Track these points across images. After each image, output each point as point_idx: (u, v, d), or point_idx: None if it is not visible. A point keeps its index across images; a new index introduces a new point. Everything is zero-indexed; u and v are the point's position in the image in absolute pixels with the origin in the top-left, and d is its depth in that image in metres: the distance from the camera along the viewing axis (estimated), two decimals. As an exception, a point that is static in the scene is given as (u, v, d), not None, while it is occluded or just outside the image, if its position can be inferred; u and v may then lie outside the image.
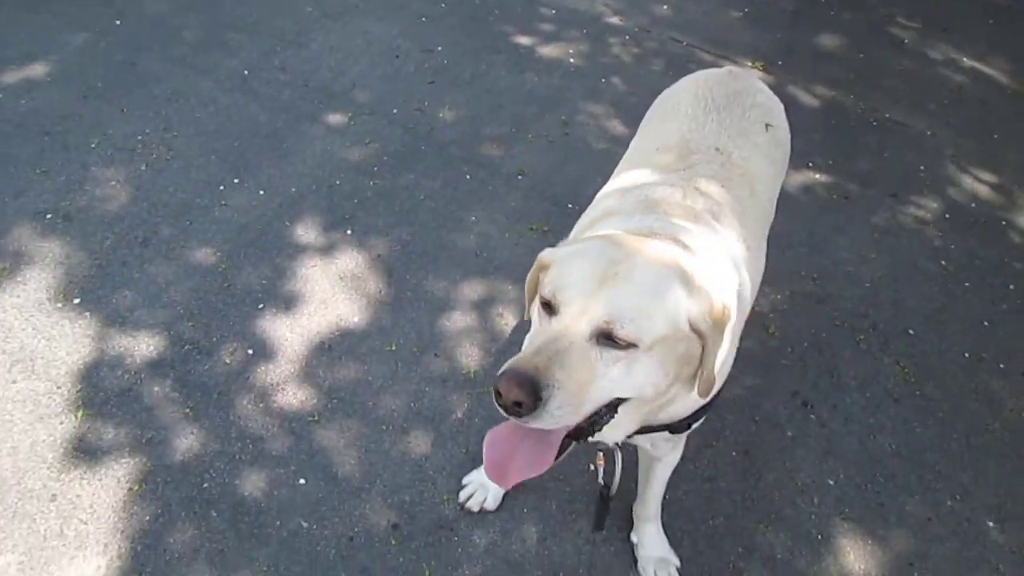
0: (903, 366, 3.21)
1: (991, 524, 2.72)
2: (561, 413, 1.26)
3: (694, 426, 1.88)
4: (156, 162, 3.52)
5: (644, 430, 1.77)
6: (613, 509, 2.49)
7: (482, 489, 2.50)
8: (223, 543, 2.33)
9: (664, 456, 2.12)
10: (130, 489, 2.41)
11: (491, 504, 2.49)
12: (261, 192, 3.46)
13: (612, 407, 1.43)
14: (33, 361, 2.69)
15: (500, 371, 1.28)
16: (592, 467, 1.97)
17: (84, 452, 2.47)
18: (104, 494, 2.39)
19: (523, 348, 1.38)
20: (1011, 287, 3.70)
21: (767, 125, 2.35)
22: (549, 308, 1.39)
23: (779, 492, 2.69)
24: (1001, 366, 3.29)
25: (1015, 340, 3.42)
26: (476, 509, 2.48)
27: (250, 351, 2.82)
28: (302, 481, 2.50)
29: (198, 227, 3.25)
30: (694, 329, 1.38)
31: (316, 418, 2.66)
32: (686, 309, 1.37)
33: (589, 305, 1.33)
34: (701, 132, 2.24)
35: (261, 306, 2.98)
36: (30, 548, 2.26)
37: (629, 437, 1.79)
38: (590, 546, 2.45)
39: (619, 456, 1.89)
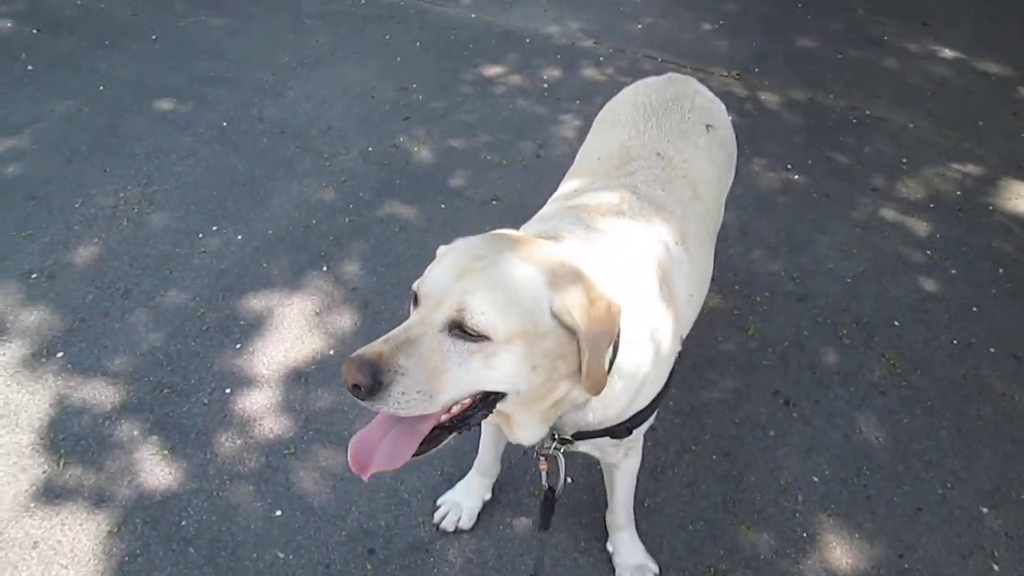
0: (888, 358, 3.17)
1: (984, 510, 2.66)
2: (408, 399, 1.29)
3: (638, 431, 1.88)
4: (137, 216, 3.62)
5: (583, 435, 1.78)
6: (592, 520, 2.49)
7: (456, 508, 2.50)
8: (200, 579, 2.36)
9: (619, 463, 2.11)
10: (109, 532, 2.44)
11: (466, 523, 2.49)
12: (239, 237, 3.53)
13: (487, 402, 1.45)
14: (17, 415, 2.75)
15: (349, 356, 1.31)
16: (540, 472, 1.97)
17: (65, 499, 2.52)
18: (84, 538, 2.43)
19: None
20: (1000, 271, 3.65)
21: (708, 126, 2.37)
22: (415, 302, 1.43)
23: (761, 492, 2.66)
24: (991, 350, 3.24)
25: (1005, 324, 3.37)
26: (451, 529, 2.48)
27: (227, 390, 2.86)
28: (278, 513, 2.52)
29: (178, 275, 3.33)
30: (562, 323, 1.40)
31: (292, 450, 2.69)
32: (548, 302, 1.39)
33: (445, 297, 1.36)
34: (641, 139, 2.26)
35: (238, 346, 3.03)
36: (11, 596, 2.30)
37: (570, 443, 1.80)
38: (569, 559, 2.44)
39: (561, 461, 1.89)
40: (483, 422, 2.35)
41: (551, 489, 2.08)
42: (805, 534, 2.56)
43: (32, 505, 2.50)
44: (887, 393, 3.03)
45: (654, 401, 1.82)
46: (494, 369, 1.36)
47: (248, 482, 2.60)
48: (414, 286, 1.44)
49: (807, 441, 2.84)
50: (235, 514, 2.51)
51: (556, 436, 1.77)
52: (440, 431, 1.45)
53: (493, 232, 1.57)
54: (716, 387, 2.97)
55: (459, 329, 1.33)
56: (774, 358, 3.13)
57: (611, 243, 1.74)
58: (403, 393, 1.29)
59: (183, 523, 2.48)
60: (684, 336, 2.08)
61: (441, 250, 1.55)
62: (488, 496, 2.54)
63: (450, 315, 1.34)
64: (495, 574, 2.39)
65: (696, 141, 2.29)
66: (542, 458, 1.86)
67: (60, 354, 2.97)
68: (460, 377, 1.35)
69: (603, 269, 1.57)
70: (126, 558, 2.39)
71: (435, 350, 1.33)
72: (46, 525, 2.45)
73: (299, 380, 2.92)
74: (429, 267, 1.47)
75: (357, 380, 1.26)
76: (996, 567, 2.51)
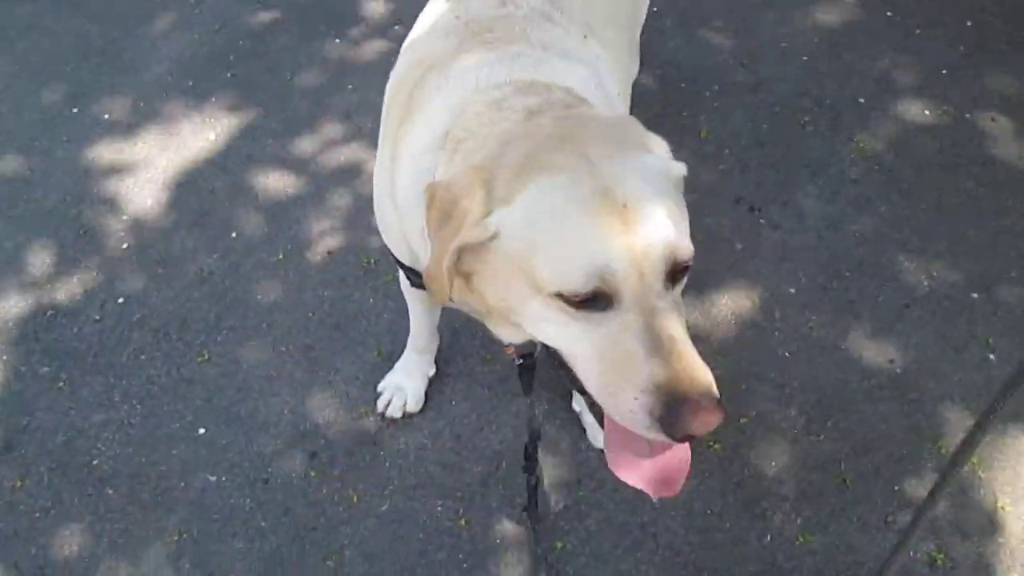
0: (858, 140, 2.83)
1: (974, 296, 2.43)
2: None
3: None
4: (-20, 110, 3.07)
5: None
6: (551, 385, 2.22)
7: (399, 392, 2.21)
8: (125, 521, 2.08)
9: None
10: (13, 488, 2.14)
11: (413, 406, 2.21)
12: (105, 115, 3.01)
13: None
14: None
15: (681, 403, 1.02)
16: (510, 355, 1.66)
17: (-46, 458, 2.20)
18: (-16, 499, 2.13)
19: (636, 357, 1.06)
20: (968, 23, 3.26)
21: None
22: (589, 304, 1.07)
23: (735, 315, 2.40)
24: (967, 116, 2.92)
25: (977, 84, 3.02)
26: (398, 415, 2.20)
27: (119, 299, 2.48)
28: (202, 431, 2.22)
29: (40, 174, 2.83)
30: None
31: (205, 356, 2.35)
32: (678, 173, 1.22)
33: (640, 261, 1.05)
34: None
35: (125, 246, 2.61)
36: (-87, 576, 2.02)
37: None
38: (553, 422, 2.18)
39: None
40: (410, 296, 2.00)
41: (529, 355, 1.74)
42: (787, 353, 2.32)
43: (-84, 471, 2.18)
44: (860, 181, 2.72)
45: None
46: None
47: (162, 402, 2.28)
48: (583, 282, 1.04)
49: (778, 249, 2.55)
50: (152, 441, 2.21)
51: None
52: None
53: (516, 137, 1.19)
54: (672, 205, 2.64)
55: (671, 278, 1.09)
56: (732, 161, 2.78)
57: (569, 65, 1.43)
58: None
59: (94, 462, 2.18)
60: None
61: (502, 219, 1.11)
62: (432, 371, 2.25)
63: (666, 266, 1.07)
64: (455, 457, 2.14)
65: None
66: (508, 345, 1.55)
67: (-82, 290, 2.55)
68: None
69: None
70: (37, 514, 2.09)
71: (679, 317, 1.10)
72: (-62, 491, 2.14)
73: (200, 273, 2.53)
74: (553, 252, 1.07)
75: (718, 422, 1.04)
76: (992, 356, 2.31)
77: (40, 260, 2.58)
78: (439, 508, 2.07)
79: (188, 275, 2.53)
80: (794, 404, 2.21)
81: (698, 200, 2.62)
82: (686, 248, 1.08)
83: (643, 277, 1.04)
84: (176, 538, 2.05)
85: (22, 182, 2.81)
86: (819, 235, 2.57)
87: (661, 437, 1.04)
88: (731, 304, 2.42)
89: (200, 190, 2.75)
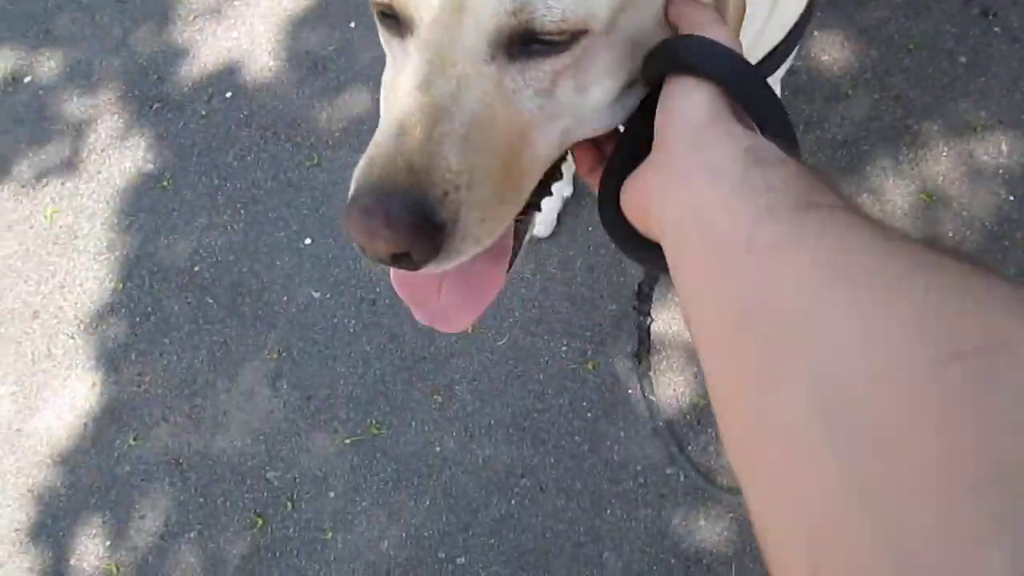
0: None
1: None
2: (491, 225, 0.64)
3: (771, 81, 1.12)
4: None
5: None
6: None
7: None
8: (225, 333, 1.91)
9: None
10: (114, 289, 2.01)
11: (543, 229, 1.86)
12: None
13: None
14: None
15: (350, 195, 0.62)
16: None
17: (59, 256, 2.08)
18: (87, 300, 2.01)
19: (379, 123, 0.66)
20: None
21: None
22: (394, 22, 0.66)
23: (948, 148, 1.86)
24: None
25: None
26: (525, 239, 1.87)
27: (228, 93, 2.23)
28: (308, 241, 1.98)
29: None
30: None
31: (316, 160, 2.08)
32: None
33: None
34: None
35: (235, 34, 2.33)
36: (20, 376, 1.96)
37: None
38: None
39: None
40: None
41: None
42: (1011, 197, 1.79)
43: (24, 267, 2.08)
44: None
45: (792, 32, 1.03)
46: (592, 90, 0.66)
47: (267, 206, 2.05)
48: None
49: (1015, 67, 1.94)
50: (255, 250, 2.00)
51: None
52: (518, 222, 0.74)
53: None
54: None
55: (524, 43, 0.62)
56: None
57: None
58: (483, 220, 0.63)
59: (195, 268, 2.00)
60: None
61: None
62: (569, 191, 1.88)
63: (498, 21, 0.60)
64: (589, 291, 1.81)
65: None
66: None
67: (28, 79, 2.39)
68: (549, 130, 0.66)
69: None
70: (137, 319, 1.96)
71: (495, 104, 0.62)
72: (43, 290, 2.04)
73: (315, 68, 2.22)
74: None
75: (399, 247, 0.60)
76: None
77: (147, 46, 2.35)
78: (564, 348, 1.76)
79: (301, 69, 2.23)
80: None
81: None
82: (555, 8, 0.60)
83: (454, 13, 0.60)
84: (275, 356, 1.86)
85: None
86: (1084, 38, 1.94)
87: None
88: (943, 133, 1.87)
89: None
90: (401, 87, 0.63)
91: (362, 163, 0.63)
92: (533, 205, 0.74)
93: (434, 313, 0.75)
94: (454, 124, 0.61)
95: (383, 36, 0.71)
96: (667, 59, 0.62)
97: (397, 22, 0.66)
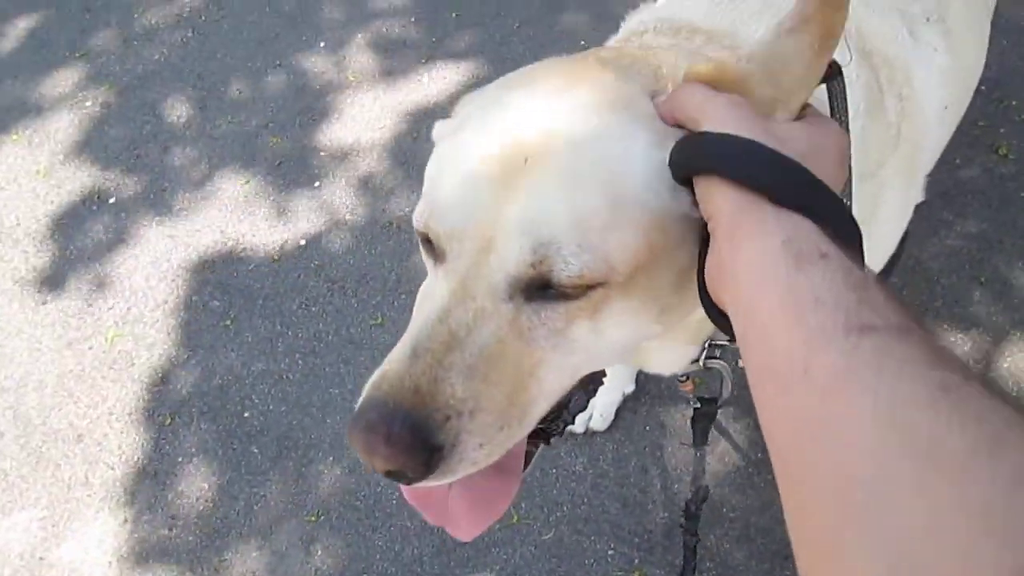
0: None
1: None
2: (489, 448, 0.67)
3: None
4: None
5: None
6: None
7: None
8: (265, 487, 1.89)
9: None
10: (162, 424, 2.01)
11: (599, 423, 1.85)
12: (321, 43, 2.84)
13: (592, 377, 0.78)
14: (60, 281, 2.32)
15: (358, 405, 0.67)
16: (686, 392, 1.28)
17: (113, 381, 2.09)
18: (133, 432, 2.00)
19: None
20: None
21: None
22: (431, 247, 0.73)
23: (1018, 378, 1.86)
24: None
25: None
26: (580, 430, 1.86)
27: (301, 243, 2.29)
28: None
29: (248, 93, 2.71)
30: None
31: (379, 320, 2.11)
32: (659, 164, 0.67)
33: (495, 233, 0.66)
34: None
35: (317, 184, 2.41)
36: (53, 500, 1.93)
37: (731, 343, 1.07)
38: (735, 475, 1.78)
39: (726, 369, 1.14)
40: None
41: (711, 400, 1.36)
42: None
43: (77, 390, 2.09)
44: None
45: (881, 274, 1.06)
46: (607, 332, 0.70)
47: (324, 361, 2.07)
48: (417, 217, 0.73)
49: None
50: (308, 403, 2.00)
51: (710, 343, 1.04)
52: (532, 441, 0.80)
53: (525, 69, 0.83)
54: (953, 232, 2.10)
55: (540, 288, 0.67)
56: (1039, 186, 2.20)
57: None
58: (481, 445, 0.66)
59: (246, 414, 2.00)
60: (929, 172, 1.32)
61: (441, 130, 0.84)
62: (631, 388, 1.88)
63: (519, 270, 0.66)
64: (642, 494, 1.78)
65: None
66: (684, 378, 1.18)
67: (112, 200, 2.48)
68: (559, 366, 0.70)
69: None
70: (180, 458, 1.95)
71: (507, 339, 0.67)
72: (92, 415, 2.04)
73: (389, 228, 2.29)
74: (432, 169, 0.77)
75: (394, 464, 0.64)
76: None
77: (231, 188, 2.44)
78: (611, 552, 1.72)
79: (375, 227, 2.30)
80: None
81: (987, 233, 2.07)
82: (574, 259, 0.64)
83: (480, 253, 0.67)
84: (313, 518, 1.83)
85: (231, 102, 2.69)
86: None
87: None
88: (1012, 371, 1.88)
89: (406, 135, 2.51)
90: (427, 306, 0.69)
91: (375, 376, 0.67)
92: (545, 432, 0.81)
93: (443, 518, 0.78)
94: (464, 354, 0.65)
95: (424, 256, 0.76)
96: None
97: (434, 248, 0.72)
